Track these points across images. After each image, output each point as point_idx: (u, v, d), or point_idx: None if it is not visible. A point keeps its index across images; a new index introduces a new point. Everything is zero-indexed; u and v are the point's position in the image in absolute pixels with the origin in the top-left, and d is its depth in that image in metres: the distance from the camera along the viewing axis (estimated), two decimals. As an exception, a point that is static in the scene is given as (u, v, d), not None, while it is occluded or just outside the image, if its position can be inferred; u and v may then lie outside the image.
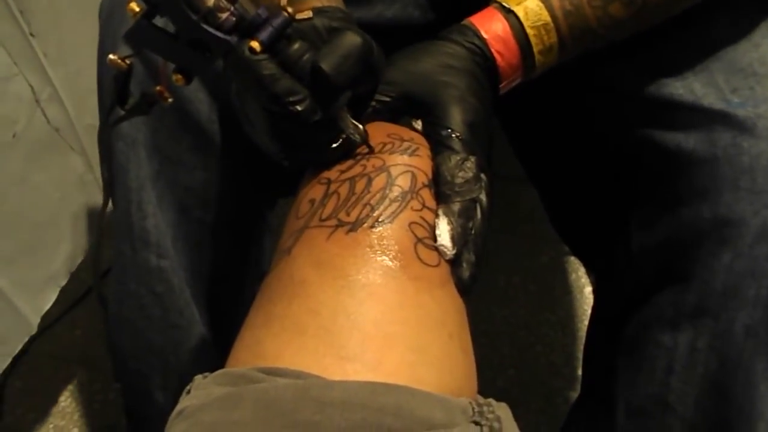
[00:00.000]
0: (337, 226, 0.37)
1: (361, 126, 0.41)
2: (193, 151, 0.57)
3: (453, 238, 0.38)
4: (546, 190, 0.67)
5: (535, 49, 0.47)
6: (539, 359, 0.98)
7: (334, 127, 0.40)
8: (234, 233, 0.62)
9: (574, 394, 0.87)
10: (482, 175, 0.41)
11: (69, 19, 0.70)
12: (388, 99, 0.44)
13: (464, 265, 0.39)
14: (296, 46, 0.39)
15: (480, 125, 0.43)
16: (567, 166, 0.63)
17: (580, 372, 0.65)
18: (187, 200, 0.58)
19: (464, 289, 0.39)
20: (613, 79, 0.53)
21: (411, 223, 0.38)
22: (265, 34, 0.38)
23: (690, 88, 0.49)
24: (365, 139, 0.41)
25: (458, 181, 0.39)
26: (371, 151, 0.41)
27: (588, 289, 1.06)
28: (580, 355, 0.66)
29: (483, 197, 0.40)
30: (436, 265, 0.38)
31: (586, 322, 0.87)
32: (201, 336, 0.60)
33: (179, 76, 0.41)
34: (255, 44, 0.37)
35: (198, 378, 0.34)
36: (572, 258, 1.10)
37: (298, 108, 0.38)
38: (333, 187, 0.40)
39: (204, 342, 0.60)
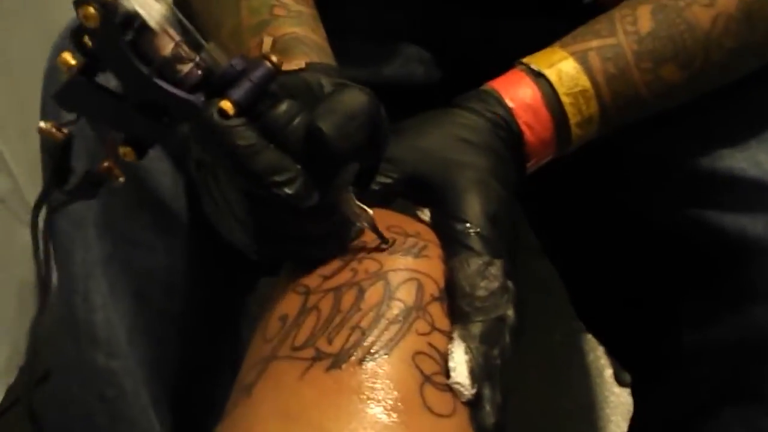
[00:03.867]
0: (314, 360, 0.31)
1: (369, 210, 0.35)
2: (154, 231, 0.52)
3: (472, 372, 0.32)
4: (571, 275, 0.61)
5: (572, 121, 0.42)
6: (557, 458, 0.93)
7: (333, 214, 0.35)
8: (204, 324, 0.57)
9: (600, 504, 0.83)
10: (509, 284, 0.35)
11: (21, 78, 0.66)
12: (388, 181, 0.39)
13: (487, 407, 0.33)
14: (283, 107, 0.33)
15: (504, 217, 0.38)
16: (598, 249, 0.57)
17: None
18: (147, 288, 0.53)
19: (487, 441, 0.33)
20: (658, 148, 0.49)
21: (416, 354, 0.31)
22: (240, 92, 0.32)
23: (754, 160, 0.46)
24: (376, 229, 0.35)
25: (480, 293, 0.34)
26: (386, 245, 0.35)
27: (608, 372, 1.00)
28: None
29: (511, 313, 0.35)
30: (450, 415, 0.31)
31: (608, 411, 0.85)
32: (160, 449, 0.55)
33: (128, 149, 0.35)
34: (227, 105, 0.31)
35: None
36: (589, 335, 1.05)
37: (287, 190, 0.32)
38: (312, 299, 0.33)
39: (163, 456, 0.55)
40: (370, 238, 0.36)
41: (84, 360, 0.51)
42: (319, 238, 0.35)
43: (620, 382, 0.97)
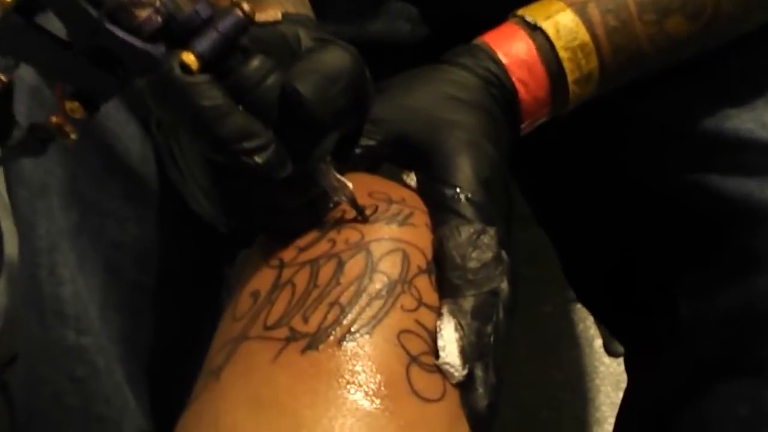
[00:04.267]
0: (288, 340, 0.29)
1: (349, 184, 0.33)
2: (124, 199, 0.50)
3: (464, 351, 0.31)
4: (564, 243, 0.61)
5: (570, 78, 0.41)
6: (546, 428, 0.93)
7: (310, 185, 0.33)
8: (180, 297, 0.56)
9: (588, 471, 0.84)
10: (503, 254, 0.33)
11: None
12: (372, 143, 0.37)
13: (479, 389, 0.32)
14: (255, 63, 0.31)
15: (497, 181, 0.36)
16: (594, 216, 0.56)
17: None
18: (118, 259, 0.52)
19: (479, 425, 0.31)
20: (659, 107, 0.48)
21: (401, 333, 0.30)
22: (206, 43, 0.29)
23: (762, 121, 0.44)
24: (355, 203, 0.33)
25: (472, 264, 0.32)
26: (364, 220, 0.33)
27: (598, 342, 1.00)
28: (592, 421, 0.58)
29: (505, 286, 0.33)
30: (439, 398, 0.29)
31: (598, 381, 0.86)
32: (136, 428, 0.54)
33: (75, 104, 0.32)
34: (190, 58, 0.29)
35: None
36: (579, 305, 1.05)
37: (257, 159, 0.30)
38: (286, 273, 0.31)
39: (139, 435, 0.55)
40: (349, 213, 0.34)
41: (51, 338, 0.50)
42: (293, 211, 0.33)
43: (610, 353, 0.98)
